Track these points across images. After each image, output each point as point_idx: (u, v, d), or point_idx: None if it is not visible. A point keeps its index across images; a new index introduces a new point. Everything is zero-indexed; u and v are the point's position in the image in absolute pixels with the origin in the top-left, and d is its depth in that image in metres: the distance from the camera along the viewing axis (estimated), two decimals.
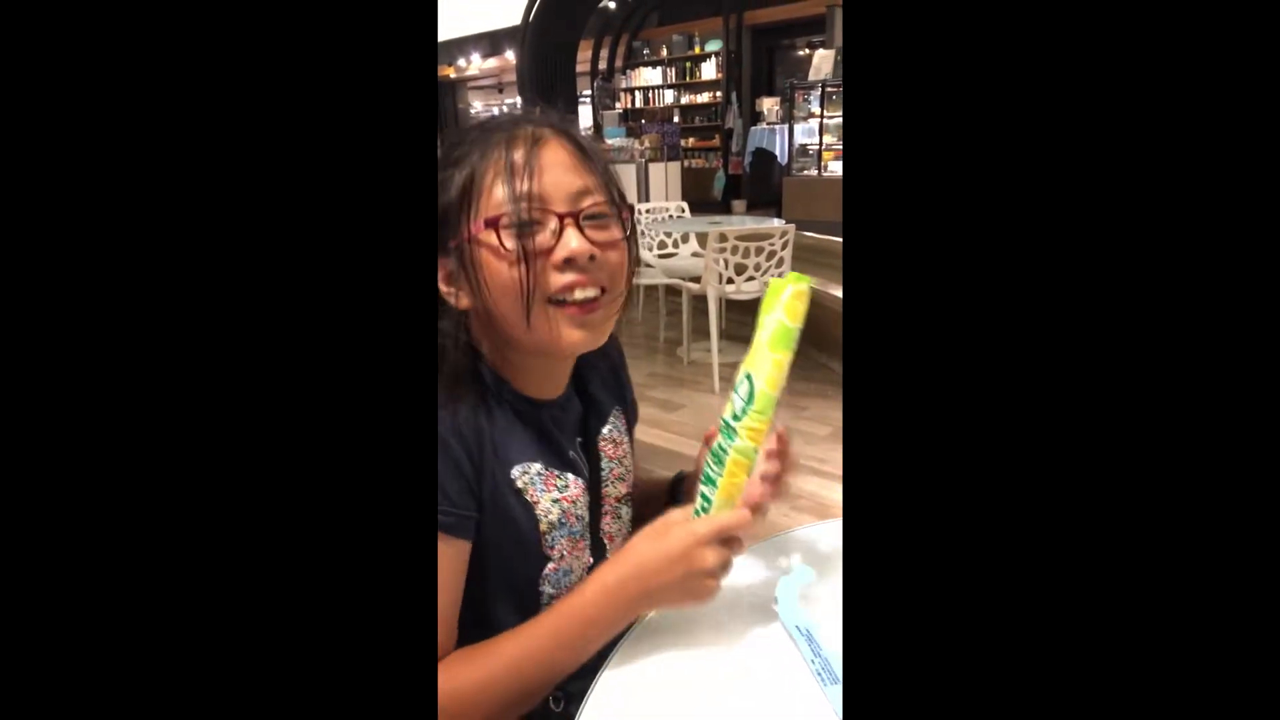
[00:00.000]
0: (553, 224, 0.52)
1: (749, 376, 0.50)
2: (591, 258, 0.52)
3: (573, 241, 0.51)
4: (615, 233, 0.54)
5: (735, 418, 0.51)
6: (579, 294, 0.53)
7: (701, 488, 0.53)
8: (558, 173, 0.52)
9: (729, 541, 0.51)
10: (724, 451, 0.51)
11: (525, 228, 0.51)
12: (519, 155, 0.52)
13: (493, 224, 0.50)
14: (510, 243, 0.51)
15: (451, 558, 0.53)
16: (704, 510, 0.52)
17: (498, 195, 0.51)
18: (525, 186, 0.51)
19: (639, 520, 0.65)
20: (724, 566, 0.51)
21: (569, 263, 0.52)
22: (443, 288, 0.55)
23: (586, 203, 0.53)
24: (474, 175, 0.52)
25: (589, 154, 0.54)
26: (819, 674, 0.50)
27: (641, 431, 0.73)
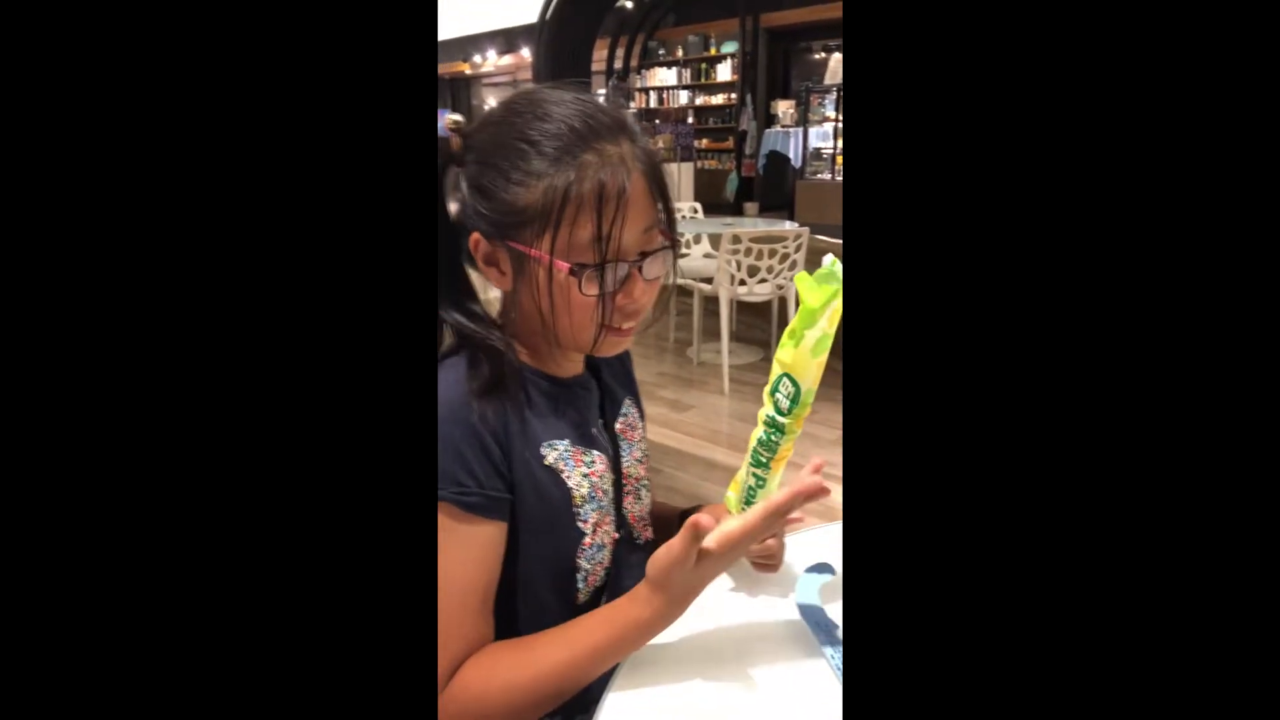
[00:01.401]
0: (623, 269, 0.54)
1: (790, 379, 0.52)
2: None
3: (638, 290, 0.55)
4: (663, 264, 0.57)
5: (781, 414, 0.53)
6: (627, 324, 0.57)
7: (754, 470, 0.56)
8: (636, 212, 0.53)
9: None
10: (774, 443, 0.54)
11: (602, 269, 0.53)
12: (611, 191, 0.51)
13: (577, 274, 0.52)
14: (591, 288, 0.53)
15: (484, 539, 0.54)
16: (760, 485, 0.56)
17: (581, 237, 0.52)
18: (611, 232, 0.51)
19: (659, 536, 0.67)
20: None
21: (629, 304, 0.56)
22: (482, 266, 0.57)
23: (652, 243, 0.55)
24: (562, 197, 0.51)
25: (662, 183, 0.56)
26: (838, 669, 0.51)
27: (651, 431, 0.74)
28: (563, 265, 0.52)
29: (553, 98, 0.55)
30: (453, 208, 0.57)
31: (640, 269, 0.55)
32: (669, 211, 0.57)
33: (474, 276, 0.60)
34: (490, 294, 0.61)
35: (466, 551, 0.53)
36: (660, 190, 0.55)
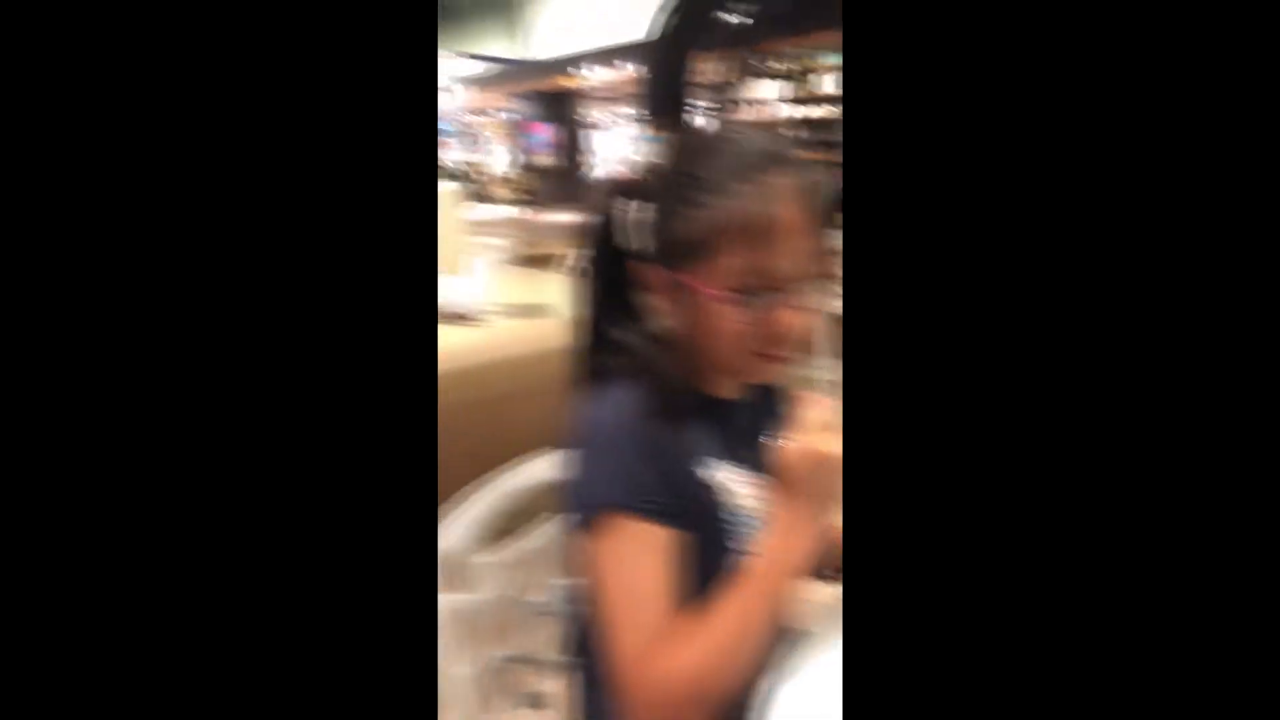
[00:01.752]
0: (772, 297, 0.58)
1: None
2: None
3: (788, 317, 0.59)
4: (819, 293, 0.61)
5: None
6: (779, 351, 0.61)
7: None
8: (786, 242, 0.57)
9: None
10: None
11: (750, 296, 0.58)
12: (759, 223, 0.56)
13: (724, 299, 0.57)
14: (737, 315, 0.57)
15: (667, 544, 0.58)
16: None
17: (732, 265, 0.57)
18: (758, 263, 0.56)
19: None
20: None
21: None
22: (653, 293, 0.63)
23: (808, 269, 0.59)
24: (714, 228, 0.57)
25: (824, 213, 0.59)
26: None
27: None
28: (713, 293, 0.57)
29: (719, 135, 0.61)
30: (633, 240, 0.65)
31: (792, 298, 0.59)
32: (828, 241, 0.60)
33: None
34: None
35: (655, 557, 0.57)
36: (822, 220, 0.59)
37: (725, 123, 0.69)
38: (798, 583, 0.57)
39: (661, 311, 0.64)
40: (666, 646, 0.54)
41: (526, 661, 0.87)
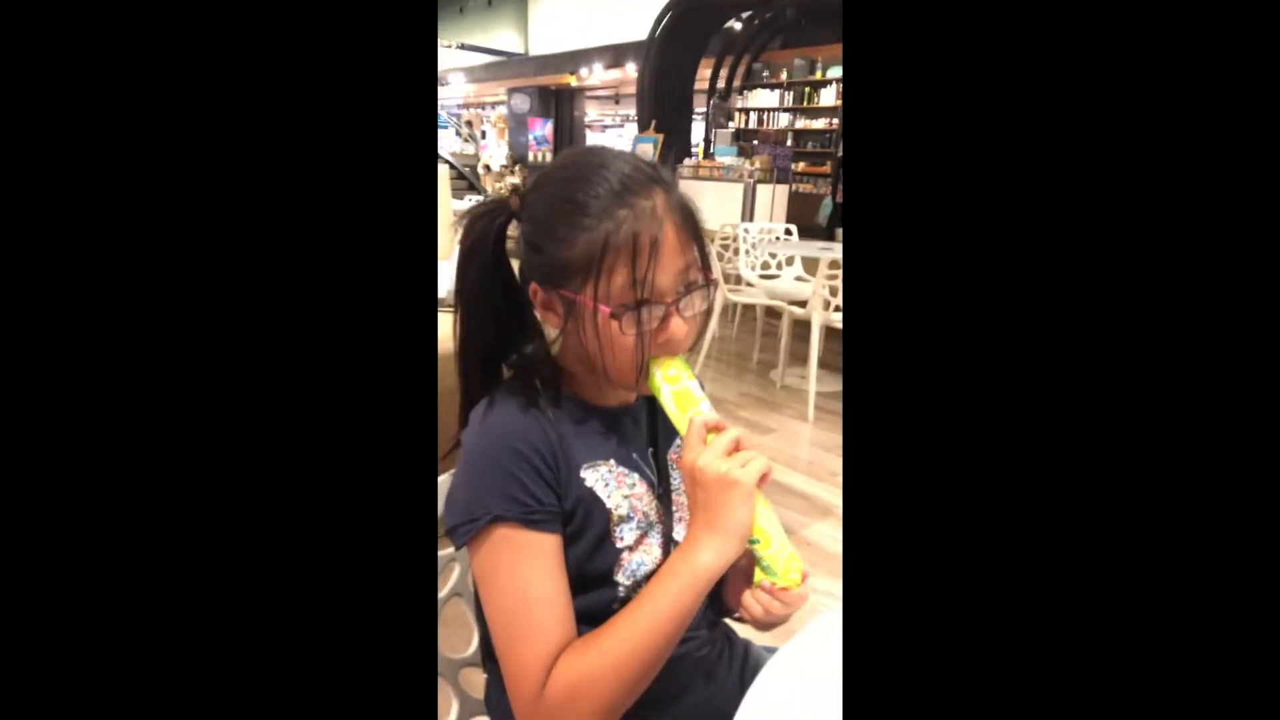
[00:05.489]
0: (660, 309, 0.59)
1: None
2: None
3: (676, 327, 0.60)
4: (701, 300, 0.62)
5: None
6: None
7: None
8: (671, 257, 0.58)
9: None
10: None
11: (639, 311, 0.58)
12: (644, 241, 0.57)
13: (618, 316, 0.57)
14: (630, 328, 0.58)
15: (554, 549, 0.59)
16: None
17: (619, 281, 0.57)
18: (645, 277, 0.57)
19: None
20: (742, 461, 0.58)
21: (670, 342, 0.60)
22: (540, 311, 0.64)
23: (688, 281, 0.60)
24: (601, 249, 0.57)
25: (695, 228, 0.61)
26: None
27: None
28: (605, 309, 0.57)
29: (595, 160, 0.60)
30: (515, 261, 0.64)
31: (677, 308, 0.60)
32: (703, 253, 0.62)
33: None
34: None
35: (543, 564, 0.58)
36: (695, 235, 0.61)
37: (599, 151, 0.64)
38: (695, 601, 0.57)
39: (554, 328, 0.64)
40: (561, 657, 0.56)
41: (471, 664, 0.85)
